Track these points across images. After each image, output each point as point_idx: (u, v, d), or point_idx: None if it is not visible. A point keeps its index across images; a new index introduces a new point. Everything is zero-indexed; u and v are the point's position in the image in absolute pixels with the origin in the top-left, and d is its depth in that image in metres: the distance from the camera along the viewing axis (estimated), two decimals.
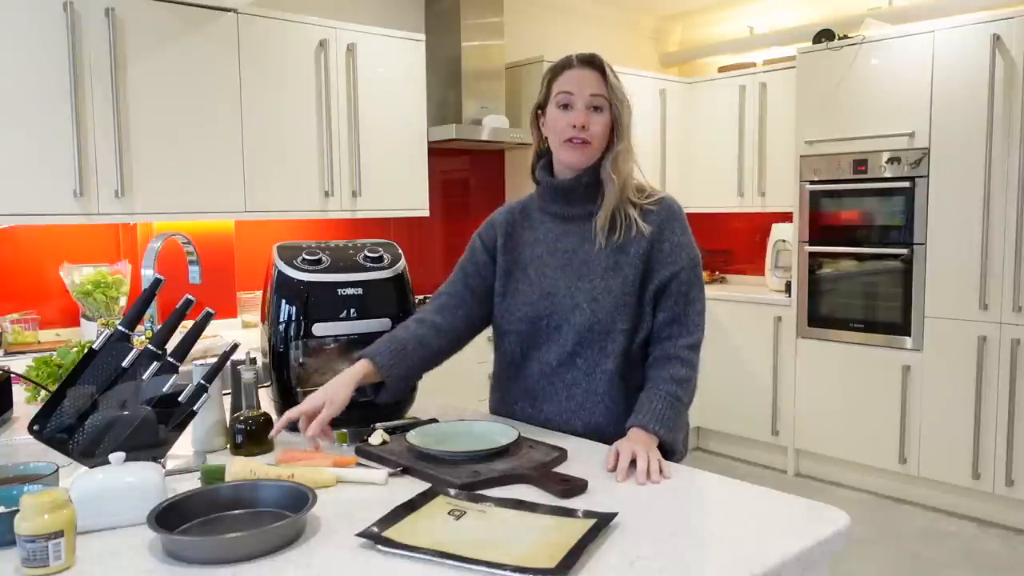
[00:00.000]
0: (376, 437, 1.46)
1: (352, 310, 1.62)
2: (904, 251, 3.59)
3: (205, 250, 2.92)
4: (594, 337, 1.54)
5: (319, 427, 1.39)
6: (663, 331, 1.55)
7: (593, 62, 1.55)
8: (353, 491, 1.25)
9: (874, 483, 3.83)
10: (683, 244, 1.56)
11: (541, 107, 1.61)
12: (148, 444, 1.33)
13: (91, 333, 2.78)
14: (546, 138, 1.61)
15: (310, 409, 1.41)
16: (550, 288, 1.58)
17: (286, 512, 1.11)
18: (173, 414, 1.37)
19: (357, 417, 1.61)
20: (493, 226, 1.71)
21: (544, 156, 1.65)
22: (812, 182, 3.90)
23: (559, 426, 1.58)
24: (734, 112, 4.50)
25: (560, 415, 1.58)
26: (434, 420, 1.60)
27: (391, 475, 1.31)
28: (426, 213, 3.68)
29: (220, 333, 2.91)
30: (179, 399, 1.38)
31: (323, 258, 1.64)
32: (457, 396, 1.93)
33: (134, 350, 1.35)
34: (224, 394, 1.55)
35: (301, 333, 1.59)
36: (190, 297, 1.43)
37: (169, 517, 1.06)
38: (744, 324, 4.25)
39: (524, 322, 1.60)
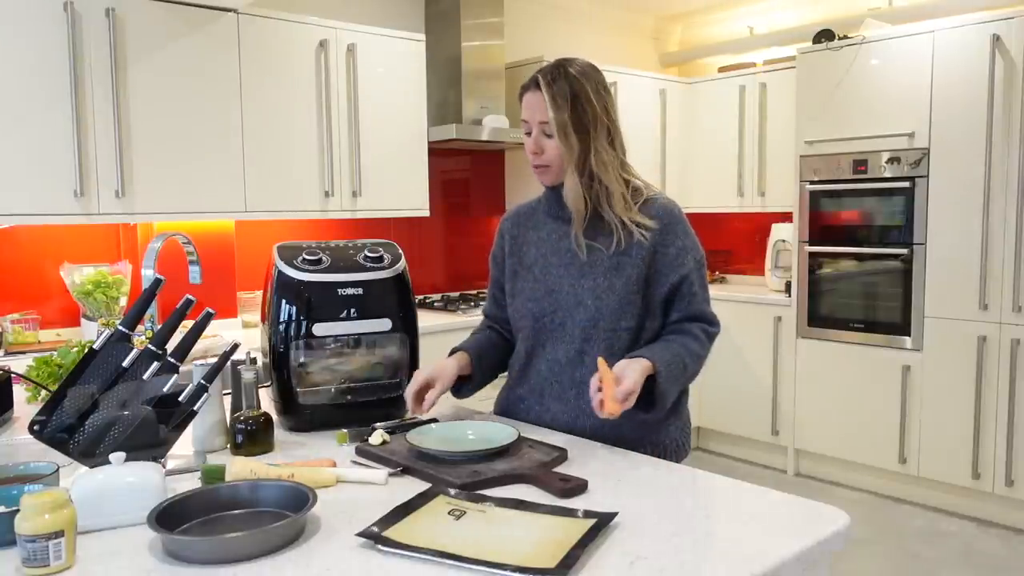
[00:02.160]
0: (376, 437, 1.46)
1: (352, 310, 1.62)
2: (904, 251, 3.59)
3: (205, 250, 2.93)
4: (600, 334, 1.55)
5: (430, 404, 1.57)
6: (683, 327, 1.58)
7: (539, 84, 1.54)
8: (353, 491, 1.25)
9: (874, 483, 3.83)
10: (688, 247, 1.57)
11: None
12: (148, 444, 1.33)
13: (91, 333, 2.78)
14: None
15: (417, 388, 1.57)
16: (554, 285, 1.60)
17: (286, 512, 1.11)
18: (173, 414, 1.37)
19: (357, 417, 1.61)
20: (501, 235, 1.76)
21: None
22: (812, 182, 3.90)
23: (566, 425, 1.58)
24: (734, 112, 4.50)
25: (568, 414, 1.59)
26: (434, 420, 1.60)
27: (391, 475, 1.31)
28: (426, 213, 3.68)
29: (220, 333, 2.91)
30: (179, 399, 1.38)
31: (323, 258, 1.64)
32: None
33: (134, 350, 1.35)
34: (224, 394, 1.56)
35: (301, 333, 1.59)
36: (190, 297, 1.43)
37: (169, 517, 1.06)
38: (744, 324, 4.25)
39: (530, 318, 1.62)
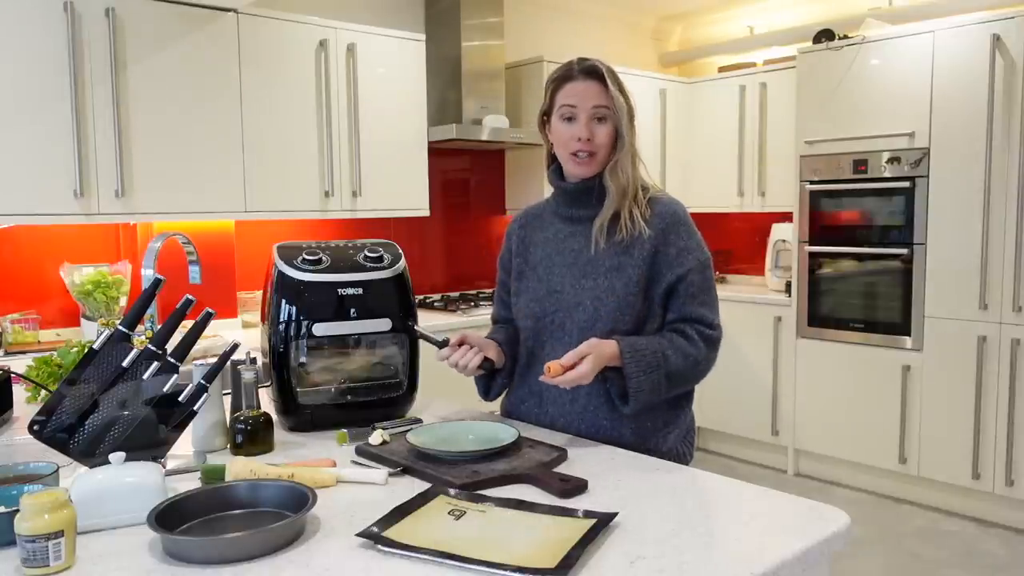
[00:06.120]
0: (376, 437, 1.46)
1: (352, 310, 1.62)
2: (904, 251, 3.59)
3: (205, 250, 2.92)
4: (597, 336, 1.53)
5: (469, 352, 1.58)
6: (676, 327, 1.56)
7: (595, 72, 1.56)
8: (353, 491, 1.25)
9: (874, 483, 3.83)
10: (690, 248, 1.56)
11: (547, 114, 1.63)
12: (148, 444, 1.33)
13: (91, 333, 2.78)
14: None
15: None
16: (556, 286, 1.60)
17: (286, 512, 1.11)
18: (173, 414, 1.37)
19: (357, 417, 1.61)
20: (509, 236, 1.76)
21: (556, 160, 1.66)
22: (812, 182, 3.90)
23: (564, 428, 1.58)
24: (734, 112, 4.50)
25: (564, 417, 1.58)
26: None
27: (391, 475, 1.31)
28: (426, 213, 3.68)
29: (220, 333, 2.91)
30: (179, 399, 1.38)
31: (323, 258, 1.64)
32: (457, 396, 1.93)
33: (134, 350, 1.35)
34: (224, 394, 1.55)
35: (301, 333, 1.59)
36: (190, 297, 1.43)
37: (169, 517, 1.06)
38: (744, 324, 4.25)
39: (531, 318, 1.62)
